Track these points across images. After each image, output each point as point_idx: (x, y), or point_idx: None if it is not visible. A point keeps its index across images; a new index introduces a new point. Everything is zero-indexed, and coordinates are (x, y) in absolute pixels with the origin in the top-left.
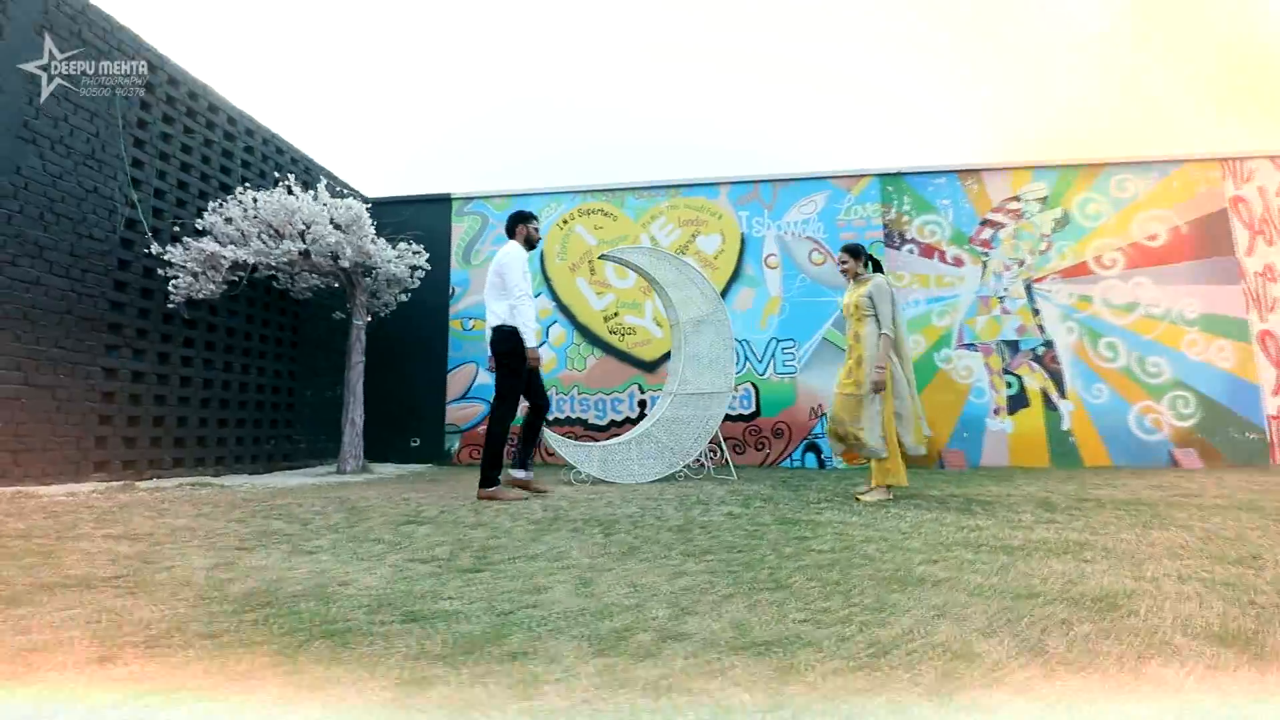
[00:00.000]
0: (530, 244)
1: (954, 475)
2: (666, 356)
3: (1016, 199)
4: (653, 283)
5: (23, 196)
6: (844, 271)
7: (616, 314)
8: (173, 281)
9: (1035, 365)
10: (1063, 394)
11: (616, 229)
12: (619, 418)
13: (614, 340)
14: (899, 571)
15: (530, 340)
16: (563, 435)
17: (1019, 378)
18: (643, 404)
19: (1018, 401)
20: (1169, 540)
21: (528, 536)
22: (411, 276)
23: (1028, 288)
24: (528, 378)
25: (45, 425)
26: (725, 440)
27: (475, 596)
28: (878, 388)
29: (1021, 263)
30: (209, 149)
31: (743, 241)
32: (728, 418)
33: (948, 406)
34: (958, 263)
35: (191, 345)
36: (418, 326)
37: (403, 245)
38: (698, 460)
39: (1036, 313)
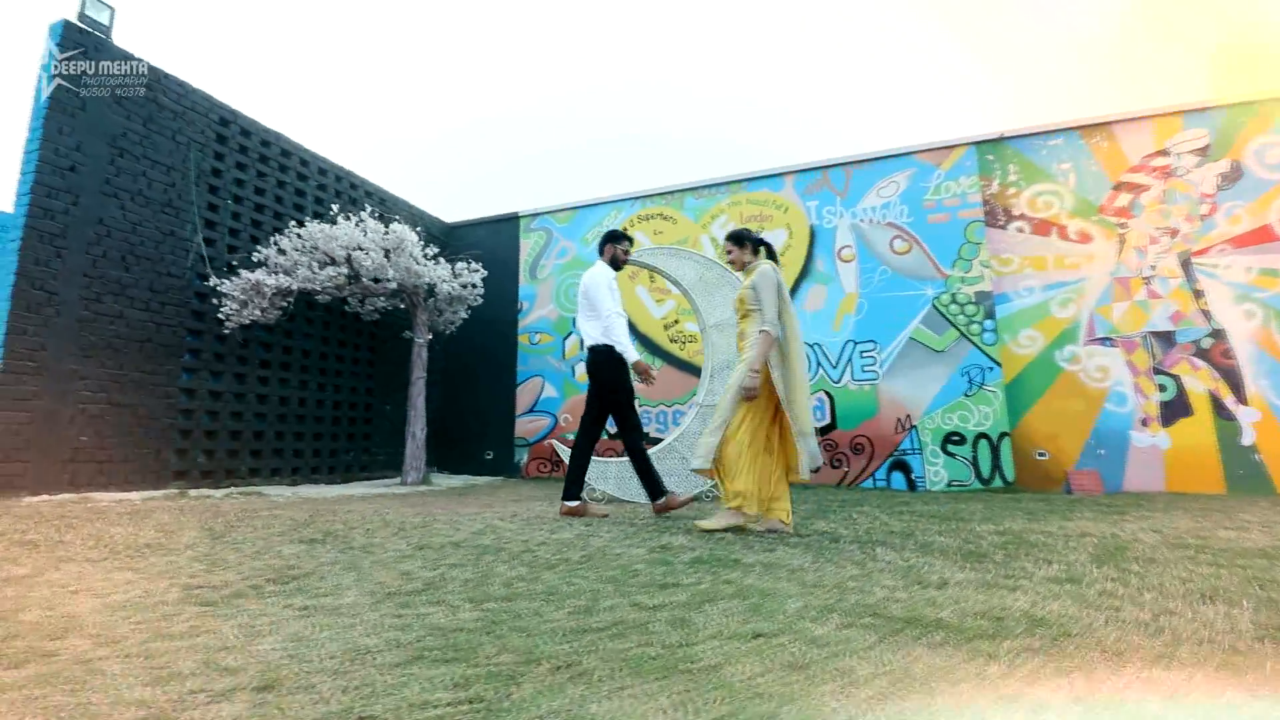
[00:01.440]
0: (615, 264)
1: (1052, 503)
2: None
3: (1164, 153)
4: (675, 285)
5: (105, 243)
6: (731, 263)
7: (676, 321)
8: (221, 310)
9: (1199, 362)
10: (1241, 399)
11: (676, 232)
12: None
13: (674, 349)
14: (666, 652)
15: (631, 355)
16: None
17: (1175, 378)
18: None
19: (1176, 409)
20: (1197, 627)
21: (366, 566)
22: (471, 294)
23: (1185, 263)
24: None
25: (128, 439)
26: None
27: (108, 638)
28: (749, 394)
29: (1175, 232)
30: (281, 190)
31: (812, 234)
32: None
33: (1076, 416)
34: (1084, 238)
35: (268, 366)
36: (489, 341)
37: (460, 265)
38: None
39: (1199, 294)
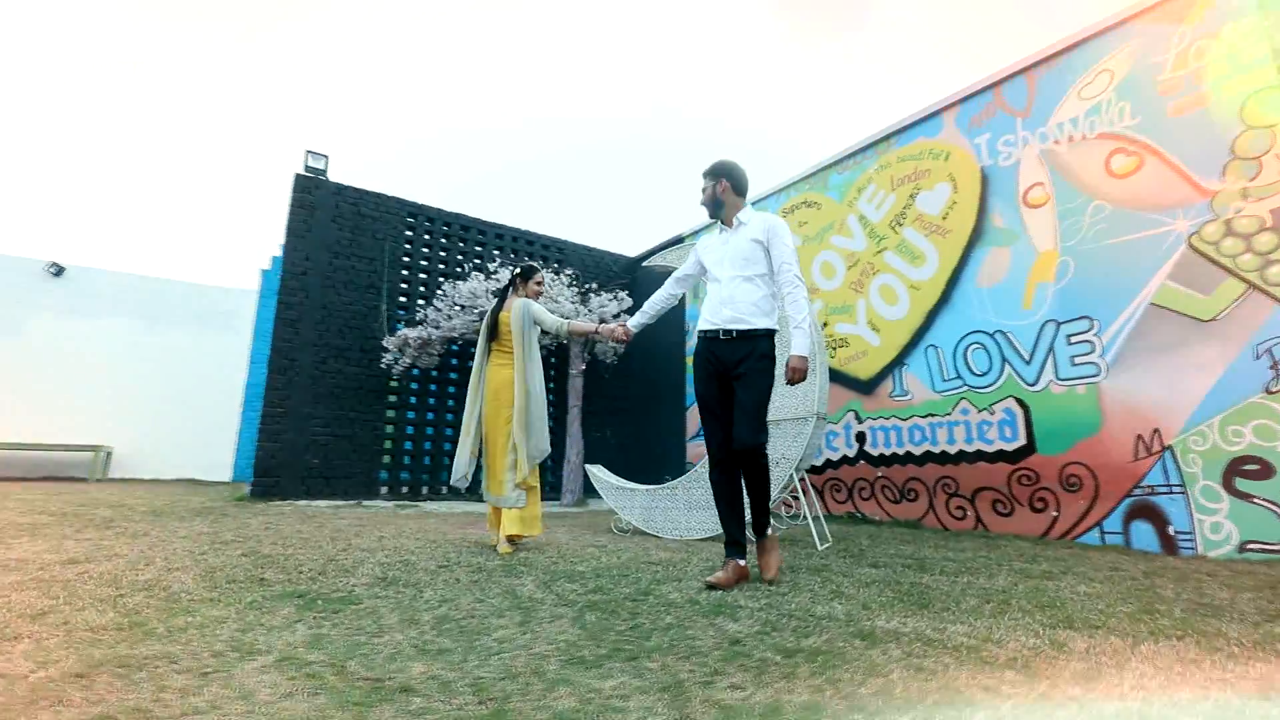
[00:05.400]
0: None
1: None
2: (887, 370)
3: None
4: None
5: (327, 321)
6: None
7: (825, 323)
8: (383, 361)
9: None
10: None
11: (821, 219)
12: (835, 455)
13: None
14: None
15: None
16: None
17: None
18: (861, 436)
19: None
20: None
21: (192, 602)
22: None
23: None
24: (706, 401)
25: (345, 462)
26: (868, 487)
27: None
28: None
29: None
30: (463, 256)
31: (983, 180)
32: (979, 456)
33: None
34: None
35: (461, 401)
36: (661, 366)
37: (605, 296)
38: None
39: None
